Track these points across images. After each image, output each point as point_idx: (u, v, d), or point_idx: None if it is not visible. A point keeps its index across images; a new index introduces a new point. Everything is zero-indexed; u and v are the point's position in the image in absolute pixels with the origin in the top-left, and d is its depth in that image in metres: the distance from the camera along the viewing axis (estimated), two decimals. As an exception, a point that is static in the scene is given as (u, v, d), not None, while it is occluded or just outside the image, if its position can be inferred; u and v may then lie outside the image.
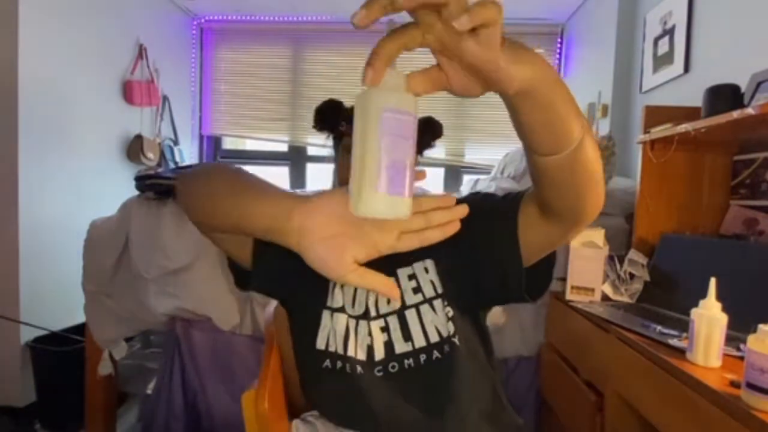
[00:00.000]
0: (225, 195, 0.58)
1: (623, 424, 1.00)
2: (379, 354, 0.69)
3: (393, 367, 0.69)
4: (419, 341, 0.69)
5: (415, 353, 0.69)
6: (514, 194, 0.66)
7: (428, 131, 1.02)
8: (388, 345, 0.69)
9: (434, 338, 0.69)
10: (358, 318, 0.70)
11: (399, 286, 0.70)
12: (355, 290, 0.71)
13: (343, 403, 0.70)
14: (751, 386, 0.62)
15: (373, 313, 0.70)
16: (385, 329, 0.70)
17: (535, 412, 1.53)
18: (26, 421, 1.84)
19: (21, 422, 1.83)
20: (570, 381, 1.21)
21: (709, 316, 0.76)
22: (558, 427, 1.33)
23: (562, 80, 0.43)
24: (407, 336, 0.69)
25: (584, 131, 0.46)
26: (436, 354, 0.69)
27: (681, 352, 0.81)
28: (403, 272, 0.72)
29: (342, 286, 0.71)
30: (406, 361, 0.69)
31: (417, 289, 0.71)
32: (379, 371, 0.69)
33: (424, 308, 0.69)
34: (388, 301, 0.70)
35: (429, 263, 0.71)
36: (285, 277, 0.70)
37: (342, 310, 0.70)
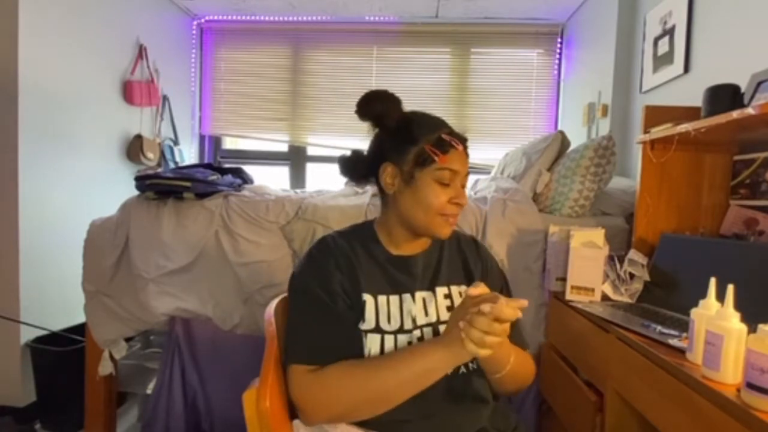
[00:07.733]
0: (375, 381, 0.69)
1: (623, 424, 1.00)
2: None
3: None
4: None
5: None
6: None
7: None
8: None
9: None
10: (395, 333, 0.78)
11: (435, 301, 0.83)
12: (389, 309, 0.80)
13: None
14: (751, 386, 0.62)
15: (408, 326, 0.79)
16: (421, 339, 0.79)
17: (535, 412, 1.53)
18: (26, 421, 1.84)
19: (21, 422, 1.83)
20: (570, 381, 1.21)
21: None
22: (558, 427, 1.33)
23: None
24: None
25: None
26: (462, 369, 0.78)
27: (681, 352, 0.81)
28: (440, 291, 0.84)
29: (376, 308, 0.79)
30: None
31: (450, 307, 0.83)
32: None
33: None
34: (426, 314, 0.81)
35: (463, 288, 0.86)
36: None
37: (376, 330, 0.77)
